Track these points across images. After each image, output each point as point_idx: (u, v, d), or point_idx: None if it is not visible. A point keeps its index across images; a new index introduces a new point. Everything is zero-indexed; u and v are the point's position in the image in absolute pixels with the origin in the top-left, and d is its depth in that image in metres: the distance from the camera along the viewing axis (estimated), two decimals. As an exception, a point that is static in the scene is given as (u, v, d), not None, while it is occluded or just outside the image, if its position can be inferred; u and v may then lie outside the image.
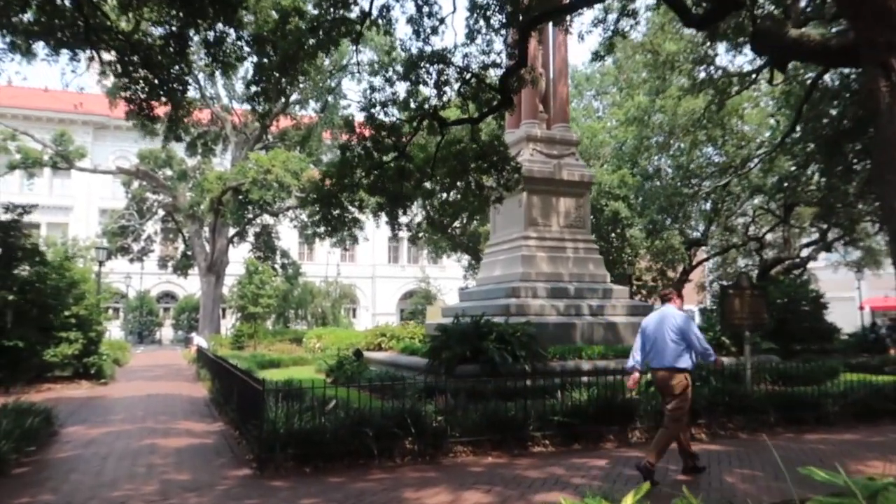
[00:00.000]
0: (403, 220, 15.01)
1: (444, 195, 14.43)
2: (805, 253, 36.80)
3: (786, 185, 27.84)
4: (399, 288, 66.34)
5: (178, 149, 43.71)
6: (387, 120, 12.70)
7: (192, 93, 48.58)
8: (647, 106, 23.37)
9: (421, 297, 47.73)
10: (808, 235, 39.03)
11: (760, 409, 9.95)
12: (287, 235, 49.14)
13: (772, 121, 25.49)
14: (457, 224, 36.41)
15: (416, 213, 16.64)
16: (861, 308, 42.02)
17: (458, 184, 13.92)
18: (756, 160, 23.39)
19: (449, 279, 58.70)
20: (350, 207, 13.58)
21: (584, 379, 10.16)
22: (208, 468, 7.45)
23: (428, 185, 14.17)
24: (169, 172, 43.96)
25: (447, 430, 8.11)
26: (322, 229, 13.65)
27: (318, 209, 13.25)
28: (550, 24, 18.19)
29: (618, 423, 9.02)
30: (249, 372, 9.78)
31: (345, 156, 12.79)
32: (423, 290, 48.49)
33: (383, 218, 14.97)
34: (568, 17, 14.88)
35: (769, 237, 37.65)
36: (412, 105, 12.70)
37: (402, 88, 18.94)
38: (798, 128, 21.38)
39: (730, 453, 8.22)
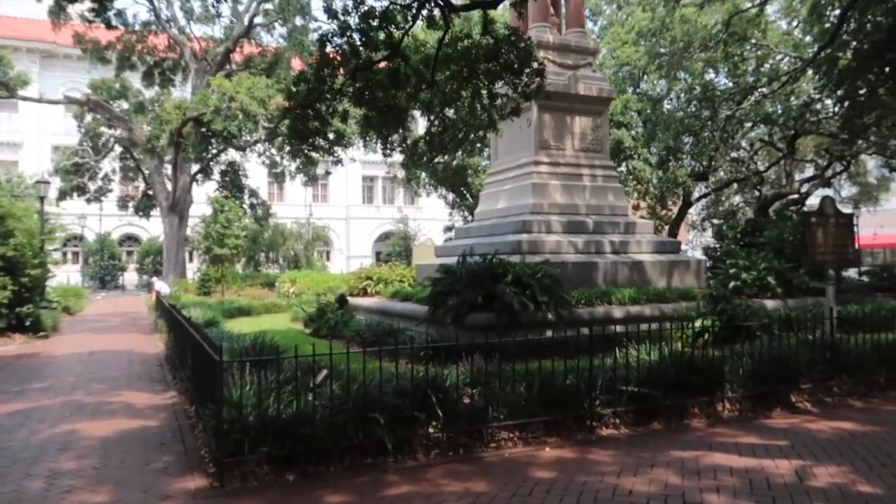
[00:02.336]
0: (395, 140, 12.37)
1: (447, 109, 11.77)
2: (804, 189, 35.07)
3: (801, 112, 25.59)
4: (374, 229, 63.73)
5: (135, 79, 39.99)
6: (377, 5, 9.94)
7: (145, 14, 44.32)
8: (664, 16, 20.62)
9: (399, 238, 45.19)
10: (804, 171, 37.30)
11: (868, 369, 7.81)
12: (256, 174, 45.99)
13: (797, 34, 22.89)
14: (440, 159, 33.68)
15: (411, 130, 13.95)
16: (860, 247, 40.64)
17: (464, 93, 11.27)
18: (784, 78, 20.89)
19: (428, 220, 56.24)
20: (330, 121, 10.89)
21: (644, 326, 7.84)
22: (142, 478, 5.05)
23: (427, 95, 11.49)
24: (125, 105, 40.27)
25: (488, 410, 5.78)
26: (295, 148, 10.98)
27: (290, 122, 10.58)
28: None
29: (704, 392, 6.78)
30: (203, 330, 7.32)
31: (324, 52, 10.04)
32: (402, 231, 45.92)
33: (362, 155, 12.35)
34: None
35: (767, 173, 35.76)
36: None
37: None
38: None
39: (871, 436, 6.04)
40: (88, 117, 41.21)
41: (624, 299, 11.90)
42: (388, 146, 12.06)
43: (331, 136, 10.97)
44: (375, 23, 10.03)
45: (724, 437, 5.91)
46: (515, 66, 10.79)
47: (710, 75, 24.59)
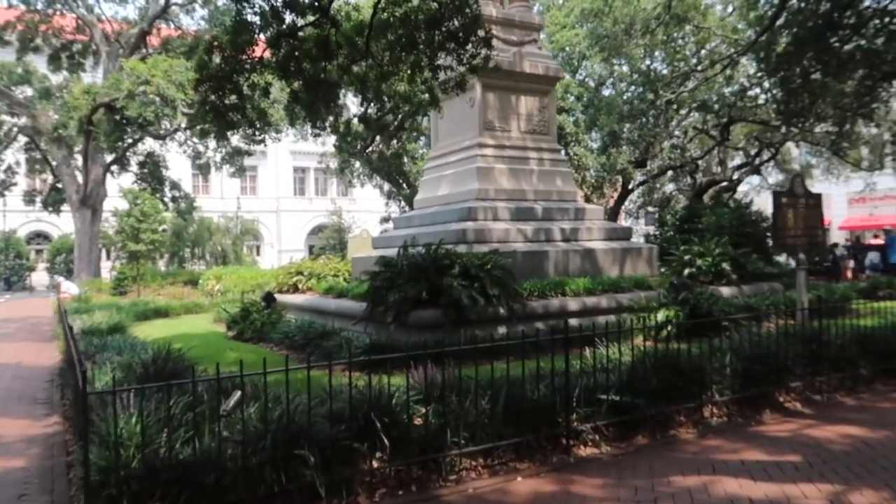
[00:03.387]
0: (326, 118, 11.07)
1: (384, 85, 10.54)
2: (735, 177, 35.59)
3: (735, 100, 25.58)
4: (307, 222, 61.63)
5: (41, 63, 36.88)
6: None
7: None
8: (602, 1, 19.95)
9: (333, 230, 43.52)
10: (733, 159, 37.87)
11: (853, 361, 7.11)
12: (180, 165, 43.34)
13: (732, 20, 22.72)
14: (372, 148, 32.39)
15: (344, 106, 12.61)
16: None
17: (402, 66, 10.07)
18: (723, 63, 20.58)
19: (363, 212, 54.70)
20: (252, 95, 9.51)
21: (602, 319, 6.85)
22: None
23: (362, 68, 10.24)
24: (29, 92, 37.15)
25: (445, 434, 4.66)
26: (209, 128, 9.52)
27: (202, 96, 9.15)
28: None
29: (689, 397, 5.87)
30: (78, 346, 5.91)
31: (240, 16, 8.66)
32: (336, 224, 44.25)
33: (293, 145, 10.99)
34: None
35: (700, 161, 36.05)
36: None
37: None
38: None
39: (889, 445, 5.24)
40: (-14, 104, 37.80)
41: (579, 290, 11.03)
42: (319, 126, 10.76)
43: (251, 113, 9.57)
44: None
45: (724, 454, 4.99)
46: (460, 35, 9.69)
47: (651, 61, 24.18)
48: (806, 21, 18.46)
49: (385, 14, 9.46)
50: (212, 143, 36.49)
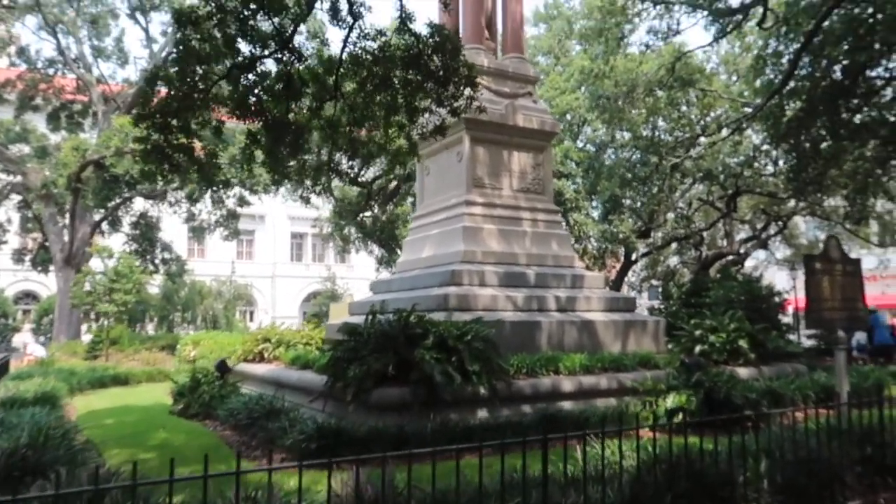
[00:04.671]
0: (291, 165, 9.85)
1: (356, 129, 9.41)
2: (742, 250, 34.46)
3: (741, 169, 24.69)
4: (302, 289, 60.28)
5: (40, 121, 36.58)
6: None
7: (51, 52, 40.96)
8: (606, 55, 19.24)
9: (326, 297, 42.17)
10: (739, 233, 36.85)
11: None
12: (175, 227, 42.48)
13: (738, 87, 22.02)
14: (367, 214, 31.41)
15: (313, 152, 11.42)
16: (798, 310, 40.11)
17: (377, 110, 8.95)
18: (729, 129, 19.73)
19: (359, 279, 53.54)
20: (198, 133, 8.33)
21: (602, 402, 5.39)
22: None
23: (333, 109, 9.12)
24: (27, 149, 36.70)
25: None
26: (153, 168, 8.30)
27: (146, 133, 8.00)
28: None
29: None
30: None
31: (188, 43, 7.58)
32: (329, 290, 42.90)
33: (290, 209, 9.78)
34: None
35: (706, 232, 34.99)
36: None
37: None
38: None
39: None
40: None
41: (574, 367, 9.56)
42: (281, 174, 9.56)
43: (201, 156, 8.39)
44: (256, 5, 7.68)
45: None
46: (440, 73, 8.61)
47: (654, 127, 23.39)
48: (816, 87, 17.69)
49: (356, 49, 8.41)
50: (206, 205, 35.80)
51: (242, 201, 33.97)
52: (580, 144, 26.40)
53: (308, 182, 9.94)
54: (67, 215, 33.46)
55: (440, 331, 8.52)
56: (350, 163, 9.33)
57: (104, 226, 35.30)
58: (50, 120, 36.33)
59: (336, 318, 16.42)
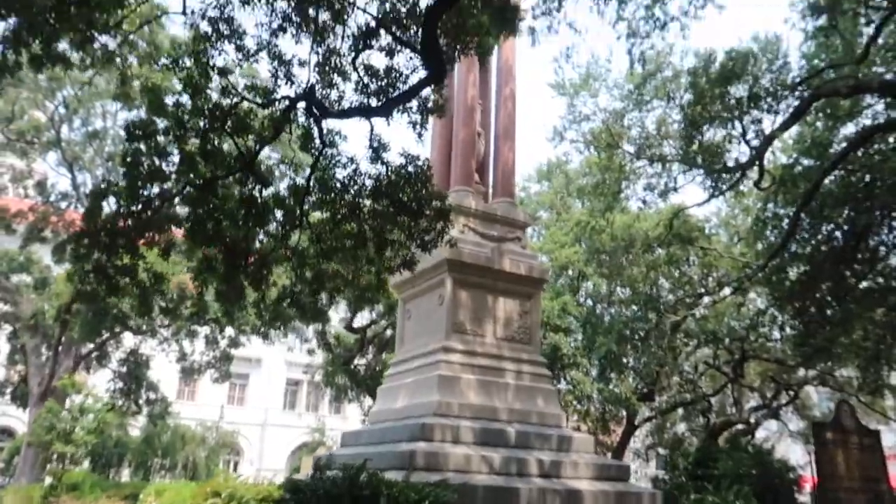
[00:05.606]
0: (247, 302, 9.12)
1: (322, 261, 8.76)
2: (752, 419, 32.59)
3: (746, 332, 23.79)
4: (294, 439, 57.38)
5: (46, 253, 36.78)
6: (224, 101, 7.29)
7: (65, 185, 42.20)
8: (603, 210, 19.15)
9: (311, 449, 39.86)
10: (749, 400, 35.13)
11: None
12: (165, 368, 41.23)
13: (739, 248, 21.72)
14: (361, 361, 30.42)
15: (273, 283, 10.71)
16: (815, 487, 37.26)
17: (346, 242, 8.37)
18: (731, 288, 19.17)
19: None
20: (144, 256, 7.67)
21: None
22: None
23: (299, 238, 8.54)
24: (28, 279, 36.56)
25: None
26: (92, 288, 7.58)
27: (89, 251, 7.36)
28: (494, 67, 14.01)
29: None
30: None
31: (135, 157, 7.14)
32: (316, 442, 40.59)
33: (286, 354, 9.04)
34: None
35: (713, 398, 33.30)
36: (275, 69, 7.35)
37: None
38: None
39: None
40: (-25, 291, 36.97)
41: (554, 548, 8.14)
42: (237, 306, 8.81)
43: (145, 277, 7.72)
44: (221, 125, 7.33)
45: None
46: (413, 206, 8.10)
47: (653, 284, 22.89)
48: (818, 251, 17.25)
49: (323, 176, 7.97)
50: (199, 345, 35.00)
51: (234, 342, 33.13)
52: (581, 299, 25.79)
53: (266, 316, 9.22)
54: (54, 347, 32.57)
55: (394, 494, 7.30)
56: (312, 298, 8.58)
57: (91, 361, 34.28)
58: (55, 252, 36.42)
59: (305, 471, 14.92)
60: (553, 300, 22.32)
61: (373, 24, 7.07)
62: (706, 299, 20.97)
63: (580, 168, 24.56)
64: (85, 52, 8.04)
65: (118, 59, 12.28)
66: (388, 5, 7.17)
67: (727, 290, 19.29)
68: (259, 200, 7.96)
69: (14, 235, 36.44)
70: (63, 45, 7.71)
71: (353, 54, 7.32)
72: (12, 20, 7.02)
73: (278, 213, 8.23)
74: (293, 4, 7.01)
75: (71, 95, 33.35)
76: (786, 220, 17.68)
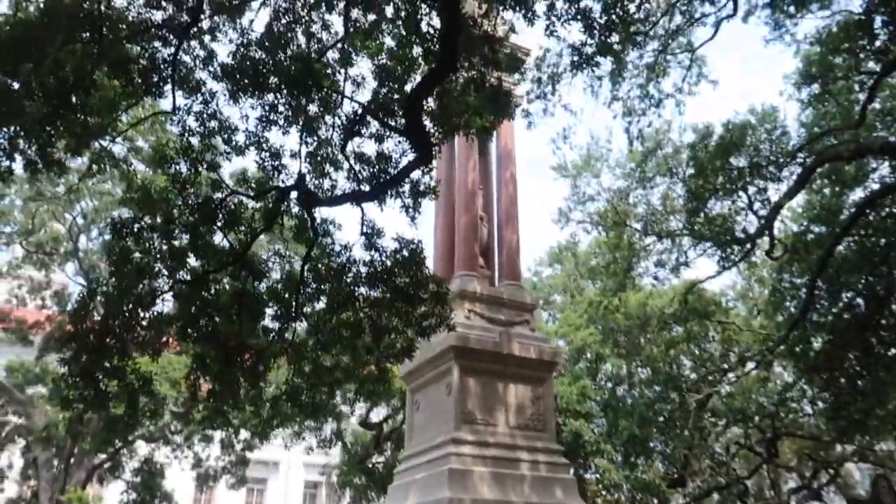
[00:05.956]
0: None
1: (320, 353, 8.46)
2: (793, 501, 30.75)
3: (776, 409, 22.77)
4: (312, 548, 55.03)
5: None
6: (216, 195, 7.27)
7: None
8: (615, 289, 18.81)
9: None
10: (787, 482, 33.28)
11: None
12: (181, 476, 40.14)
13: (759, 321, 21.13)
14: (379, 459, 29.45)
15: (272, 381, 10.45)
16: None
17: (344, 332, 8.12)
18: (753, 362, 18.51)
19: (372, 534, 48.74)
20: (133, 357, 7.43)
21: None
22: None
23: (296, 331, 8.30)
24: (43, 391, 36.26)
25: None
26: (79, 394, 7.31)
27: (77, 355, 7.15)
28: (493, 152, 14.13)
29: None
30: None
31: (122, 254, 7.03)
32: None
33: (304, 456, 8.72)
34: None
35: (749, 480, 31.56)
36: (264, 162, 7.34)
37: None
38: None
39: None
40: (-5, 404, 36.72)
41: None
42: (234, 405, 8.48)
43: (133, 380, 7.45)
44: (211, 219, 7.28)
45: None
46: (410, 290, 7.89)
47: (673, 362, 22.19)
48: (840, 319, 16.67)
49: (318, 266, 7.83)
50: (214, 450, 34.24)
51: (250, 445, 32.36)
52: (601, 382, 25.05)
53: (264, 415, 8.84)
54: (67, 459, 31.92)
55: None
56: (311, 393, 8.23)
57: (104, 472, 33.49)
58: (41, 352, 36.34)
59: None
60: (571, 385, 21.65)
61: (360, 111, 7.12)
62: (730, 375, 20.18)
63: (589, 249, 24.46)
64: (82, 157, 8.12)
65: (123, 165, 12.51)
66: (374, 92, 7.24)
67: (750, 365, 18.59)
68: (253, 294, 7.80)
69: (31, 347, 36.50)
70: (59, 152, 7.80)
71: (342, 142, 7.34)
72: (8, 128, 7.13)
73: (273, 307, 8.04)
74: (282, 97, 7.09)
75: (90, 207, 34.12)
76: (803, 290, 17.25)
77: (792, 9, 12.49)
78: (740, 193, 14.98)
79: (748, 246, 15.71)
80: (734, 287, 24.17)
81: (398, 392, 18.16)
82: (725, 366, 21.27)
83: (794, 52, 14.52)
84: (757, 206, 15.55)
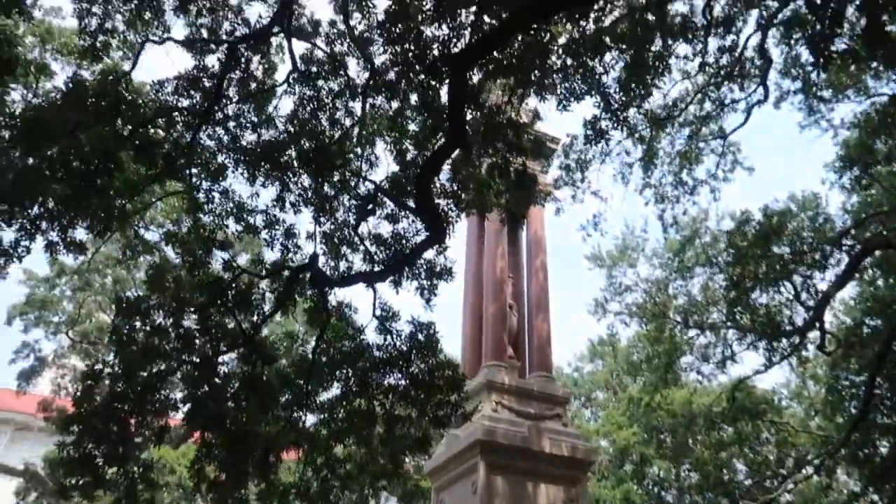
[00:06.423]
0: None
1: (333, 444, 8.00)
2: None
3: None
4: None
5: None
6: (225, 274, 7.15)
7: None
8: (654, 391, 17.78)
9: None
10: None
11: None
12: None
13: (817, 422, 19.67)
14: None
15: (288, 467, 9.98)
16: None
17: (356, 420, 7.70)
18: (811, 470, 17.02)
19: None
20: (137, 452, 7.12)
21: None
22: None
23: (304, 416, 7.92)
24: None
25: None
26: (75, 480, 6.98)
27: (79, 438, 6.89)
28: (524, 239, 13.91)
29: None
30: None
31: (128, 334, 6.87)
32: None
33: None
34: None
35: None
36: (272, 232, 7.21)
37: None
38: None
39: None
40: (32, 495, 36.45)
41: None
42: (240, 500, 7.97)
43: (132, 467, 7.11)
44: (221, 299, 7.12)
45: None
46: (425, 378, 7.49)
47: (725, 467, 20.65)
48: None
49: (330, 350, 7.54)
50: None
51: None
52: (648, 485, 23.43)
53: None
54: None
55: None
56: (323, 488, 7.71)
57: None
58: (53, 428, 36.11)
59: None
60: (615, 489, 20.29)
61: (374, 190, 7.03)
62: (788, 482, 18.62)
63: (630, 342, 23.59)
64: (103, 240, 8.16)
65: (155, 251, 12.66)
66: (389, 172, 7.18)
67: (810, 470, 17.12)
68: (263, 378, 7.51)
69: (72, 436, 36.43)
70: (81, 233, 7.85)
71: (356, 222, 7.21)
72: (31, 209, 7.21)
73: (284, 393, 7.71)
74: (296, 178, 7.07)
75: (133, 297, 34.65)
76: (862, 388, 16.05)
77: (826, 94, 12.26)
78: (785, 283, 14.28)
79: (797, 339, 14.79)
80: (788, 385, 22.81)
81: (400, 486, 17.23)
82: (783, 471, 19.67)
83: (832, 137, 14.21)
84: (805, 296, 14.78)
